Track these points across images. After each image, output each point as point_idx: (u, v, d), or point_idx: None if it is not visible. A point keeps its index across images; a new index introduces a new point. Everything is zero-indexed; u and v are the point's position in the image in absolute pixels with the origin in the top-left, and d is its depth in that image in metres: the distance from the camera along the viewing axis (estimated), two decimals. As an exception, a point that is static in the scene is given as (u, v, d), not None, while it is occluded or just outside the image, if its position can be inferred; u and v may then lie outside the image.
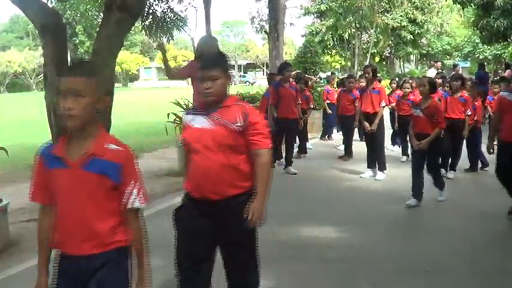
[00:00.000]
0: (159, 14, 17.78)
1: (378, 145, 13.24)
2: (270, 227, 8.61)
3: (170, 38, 18.73)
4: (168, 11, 18.23)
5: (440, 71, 22.90)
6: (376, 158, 13.25)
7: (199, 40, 10.97)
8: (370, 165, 13.36)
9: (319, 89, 22.98)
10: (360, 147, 16.73)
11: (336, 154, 16.75)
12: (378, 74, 28.89)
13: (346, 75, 22.20)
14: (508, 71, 23.21)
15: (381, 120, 13.07)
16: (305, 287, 6.55)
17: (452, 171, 12.94)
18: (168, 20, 17.92)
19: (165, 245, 7.90)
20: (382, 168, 13.20)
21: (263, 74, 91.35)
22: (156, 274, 6.78)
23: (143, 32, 18.71)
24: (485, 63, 32.55)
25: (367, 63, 40.43)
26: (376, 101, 13.11)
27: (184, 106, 13.88)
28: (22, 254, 7.69)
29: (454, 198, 11.14)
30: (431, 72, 23.75)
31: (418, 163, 10.62)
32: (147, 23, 17.20)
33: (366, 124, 13.06)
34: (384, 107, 13.40)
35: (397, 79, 22.43)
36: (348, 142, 16.46)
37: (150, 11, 17.28)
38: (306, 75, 19.60)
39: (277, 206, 10.31)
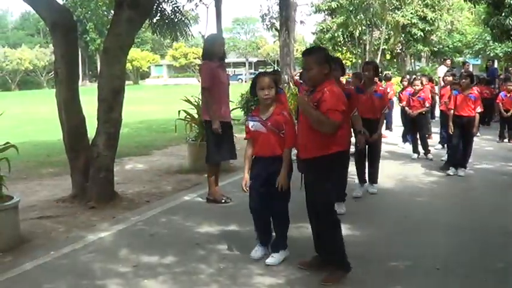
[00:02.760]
0: (168, 12, 17.76)
1: (378, 157, 11.42)
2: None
3: (175, 39, 18.71)
4: (177, 9, 18.21)
5: (450, 68, 22.83)
6: (373, 172, 11.34)
7: (208, 39, 11.05)
8: (370, 179, 11.31)
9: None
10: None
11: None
12: (389, 72, 28.80)
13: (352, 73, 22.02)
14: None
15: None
16: (315, 284, 6.52)
17: (463, 169, 12.87)
18: (176, 19, 17.91)
19: (177, 243, 7.94)
20: (376, 179, 11.39)
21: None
22: (169, 271, 6.81)
23: (153, 29, 18.72)
24: (496, 60, 32.38)
25: (378, 60, 40.37)
26: (379, 106, 11.13)
27: (195, 103, 13.85)
28: (34, 251, 7.71)
29: (464, 195, 11.13)
30: (442, 70, 23.67)
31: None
32: (154, 20, 17.19)
33: (363, 137, 9.93)
34: (386, 113, 11.81)
35: (407, 76, 22.37)
36: None
37: (159, 8, 17.27)
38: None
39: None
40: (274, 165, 6.87)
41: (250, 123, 7.08)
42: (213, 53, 10.25)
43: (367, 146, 10.84)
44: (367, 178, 11.32)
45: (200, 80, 10.65)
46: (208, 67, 10.12)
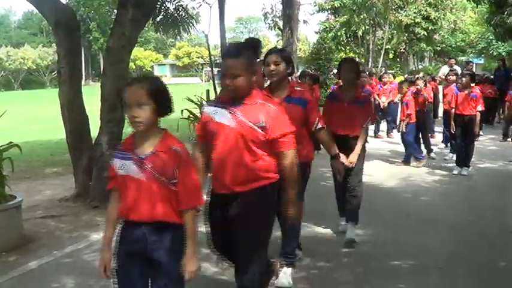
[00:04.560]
0: (171, 11, 17.78)
1: (358, 186, 8.27)
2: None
3: (178, 35, 18.74)
4: (180, 8, 18.23)
5: (453, 68, 22.80)
6: (352, 210, 8.30)
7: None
8: (348, 217, 8.43)
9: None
10: (373, 142, 16.76)
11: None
12: (391, 72, 28.69)
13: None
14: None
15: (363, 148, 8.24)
16: (319, 283, 6.54)
17: (466, 168, 12.88)
18: (179, 17, 17.92)
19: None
20: (356, 219, 8.31)
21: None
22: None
23: (157, 28, 18.75)
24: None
25: (381, 59, 40.37)
26: (360, 118, 8.04)
27: (198, 103, 13.87)
28: (37, 251, 7.73)
29: (467, 195, 11.15)
30: (445, 70, 23.63)
31: None
32: (158, 19, 17.21)
33: (341, 159, 7.45)
34: (367, 129, 8.40)
35: (406, 75, 22.39)
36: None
37: (163, 7, 17.29)
38: (309, 72, 19.39)
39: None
40: (160, 239, 4.10)
41: (118, 162, 4.18)
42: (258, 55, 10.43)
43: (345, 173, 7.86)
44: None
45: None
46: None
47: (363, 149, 8.08)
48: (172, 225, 4.07)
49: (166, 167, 4.04)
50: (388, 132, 20.12)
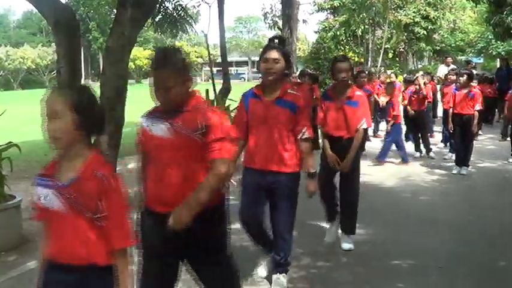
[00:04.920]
0: (170, 11, 17.80)
1: (354, 199, 7.95)
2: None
3: (177, 34, 18.77)
4: (179, 8, 18.26)
5: (453, 66, 22.77)
6: (349, 222, 7.97)
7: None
8: (344, 228, 8.00)
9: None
10: (372, 142, 16.78)
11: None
12: (390, 72, 28.68)
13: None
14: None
15: (360, 149, 8.40)
16: (319, 282, 6.54)
17: (465, 167, 12.88)
18: (178, 17, 17.94)
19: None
20: (353, 230, 8.02)
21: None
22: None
23: (156, 28, 18.75)
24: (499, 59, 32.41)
25: (380, 59, 40.37)
26: (354, 119, 7.59)
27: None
28: (36, 250, 7.71)
29: (466, 194, 11.16)
30: (442, 69, 23.58)
31: None
32: (157, 19, 17.22)
33: (332, 157, 7.60)
34: (366, 128, 8.25)
35: (404, 75, 22.40)
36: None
37: (162, 7, 17.31)
38: (309, 71, 19.39)
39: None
40: (86, 285, 3.46)
41: (40, 191, 3.49)
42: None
43: (339, 178, 7.88)
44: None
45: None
46: None
47: (361, 150, 8.04)
48: (100, 268, 3.41)
49: (89, 198, 3.35)
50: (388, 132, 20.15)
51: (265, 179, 5.98)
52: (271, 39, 6.28)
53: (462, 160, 12.92)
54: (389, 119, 14.49)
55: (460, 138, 12.93)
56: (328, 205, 8.06)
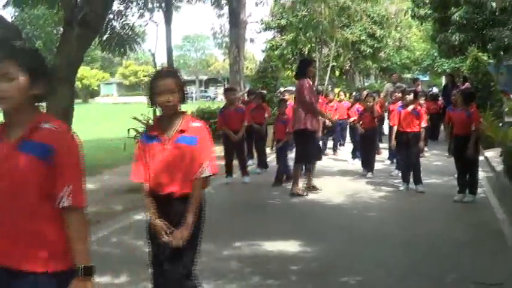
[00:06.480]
0: (117, 30, 17.75)
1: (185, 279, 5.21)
2: (233, 241, 8.63)
3: (125, 54, 18.71)
4: (126, 27, 18.23)
5: (399, 84, 23.04)
6: None
7: (304, 61, 13.10)
8: None
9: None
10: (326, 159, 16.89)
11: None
12: (337, 90, 28.90)
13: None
14: (466, 83, 23.49)
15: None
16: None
17: (420, 184, 12.96)
18: (126, 36, 17.90)
19: (129, 263, 7.88)
20: None
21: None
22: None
23: (103, 47, 18.68)
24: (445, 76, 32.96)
25: (327, 77, 40.65)
26: (187, 166, 5.05)
27: (144, 121, 13.81)
28: None
29: (413, 210, 11.29)
30: (388, 86, 23.73)
31: None
32: (104, 38, 17.15)
33: (158, 227, 5.18)
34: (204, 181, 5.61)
35: (354, 93, 22.66)
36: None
37: (109, 26, 17.25)
38: (259, 90, 19.51)
39: (238, 220, 10.32)
40: None
41: None
42: (308, 73, 12.39)
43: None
44: None
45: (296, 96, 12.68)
46: (309, 85, 12.24)
47: (200, 213, 5.16)
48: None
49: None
50: (335, 150, 20.27)
51: None
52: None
53: (415, 177, 13.01)
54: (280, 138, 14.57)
55: (407, 156, 13.07)
56: None
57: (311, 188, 12.96)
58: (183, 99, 5.06)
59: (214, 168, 5.03)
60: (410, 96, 13.12)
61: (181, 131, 4.97)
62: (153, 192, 5.17)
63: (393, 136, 13.26)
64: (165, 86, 4.93)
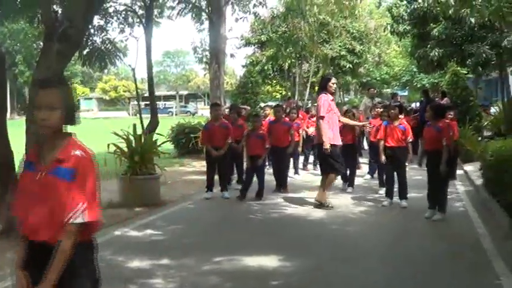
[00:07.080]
0: (98, 44, 17.77)
1: None
2: (213, 256, 8.60)
3: (105, 68, 18.74)
4: (107, 41, 18.25)
5: (378, 99, 23.12)
6: None
7: (325, 77, 13.83)
8: None
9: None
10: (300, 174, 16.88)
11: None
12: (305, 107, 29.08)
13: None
14: (445, 98, 23.66)
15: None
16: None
17: (404, 200, 12.94)
18: (106, 50, 17.92)
19: (107, 278, 7.82)
20: None
21: (204, 104, 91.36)
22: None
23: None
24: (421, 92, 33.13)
25: (307, 92, 40.77)
26: (57, 207, 3.76)
27: (124, 137, 13.78)
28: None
29: (393, 225, 11.30)
30: (366, 101, 23.72)
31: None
32: (84, 52, 17.14)
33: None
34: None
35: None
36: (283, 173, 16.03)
37: (89, 40, 17.25)
38: (239, 106, 19.45)
39: (218, 235, 10.30)
40: None
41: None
42: (329, 89, 12.76)
43: None
44: None
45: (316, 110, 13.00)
46: (327, 99, 12.53)
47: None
48: None
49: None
50: (315, 164, 20.25)
51: None
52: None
53: (401, 192, 12.97)
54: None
55: (392, 171, 13.07)
56: None
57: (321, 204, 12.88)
58: (69, 119, 3.90)
59: (91, 215, 3.77)
60: (396, 111, 13.17)
61: (58, 160, 3.79)
62: (26, 238, 4.15)
63: (381, 151, 13.18)
64: (42, 99, 3.80)
